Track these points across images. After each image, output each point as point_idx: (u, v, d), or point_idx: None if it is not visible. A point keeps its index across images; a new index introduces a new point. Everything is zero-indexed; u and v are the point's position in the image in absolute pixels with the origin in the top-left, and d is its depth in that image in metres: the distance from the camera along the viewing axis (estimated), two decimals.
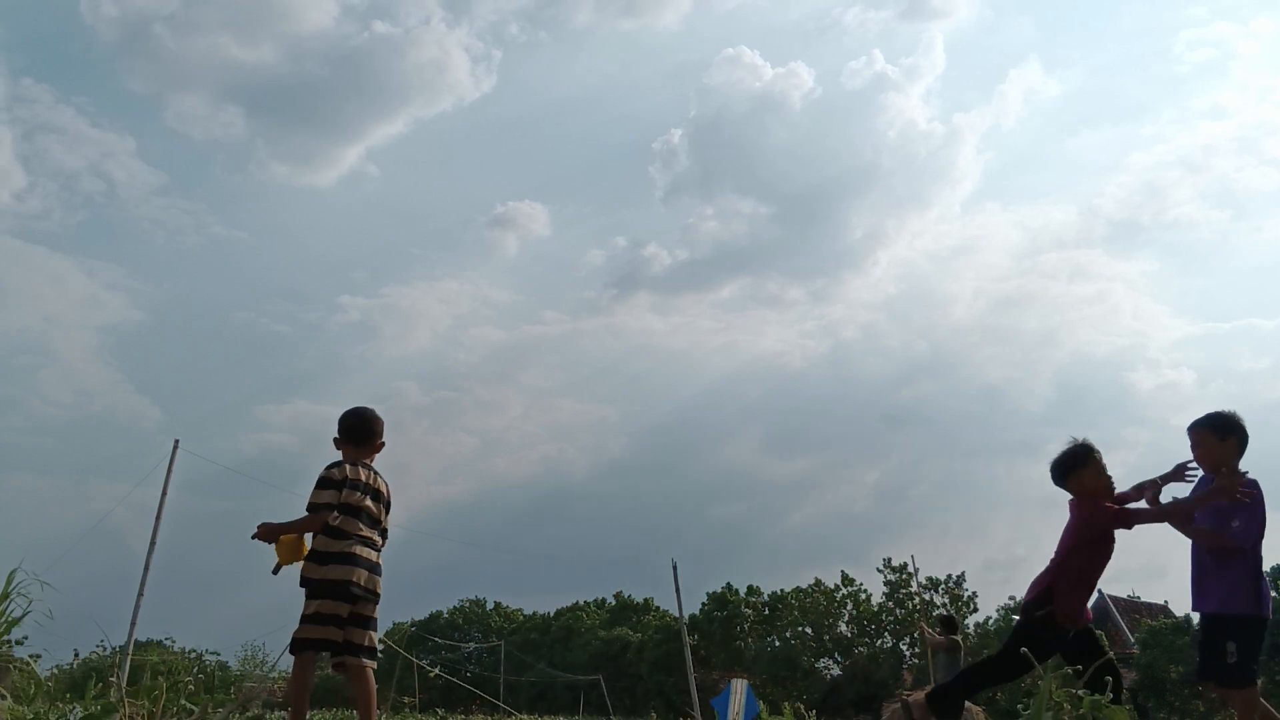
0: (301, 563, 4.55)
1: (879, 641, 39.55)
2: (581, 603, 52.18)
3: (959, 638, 11.32)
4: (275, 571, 4.58)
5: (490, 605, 55.22)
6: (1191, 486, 4.78)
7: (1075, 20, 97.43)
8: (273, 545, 4.53)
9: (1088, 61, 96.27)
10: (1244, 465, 4.65)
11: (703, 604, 43.35)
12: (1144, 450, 69.52)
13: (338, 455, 4.78)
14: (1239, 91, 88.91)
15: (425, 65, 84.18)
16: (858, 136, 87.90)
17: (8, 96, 77.72)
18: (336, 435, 4.85)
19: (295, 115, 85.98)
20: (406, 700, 36.68)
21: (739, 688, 14.09)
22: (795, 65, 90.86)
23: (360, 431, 4.82)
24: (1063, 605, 4.56)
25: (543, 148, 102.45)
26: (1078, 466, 4.71)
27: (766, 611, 42.90)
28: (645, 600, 50.55)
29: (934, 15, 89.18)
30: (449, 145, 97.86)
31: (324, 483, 4.55)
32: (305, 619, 4.46)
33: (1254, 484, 4.58)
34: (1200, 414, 4.80)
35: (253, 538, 4.52)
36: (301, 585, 4.52)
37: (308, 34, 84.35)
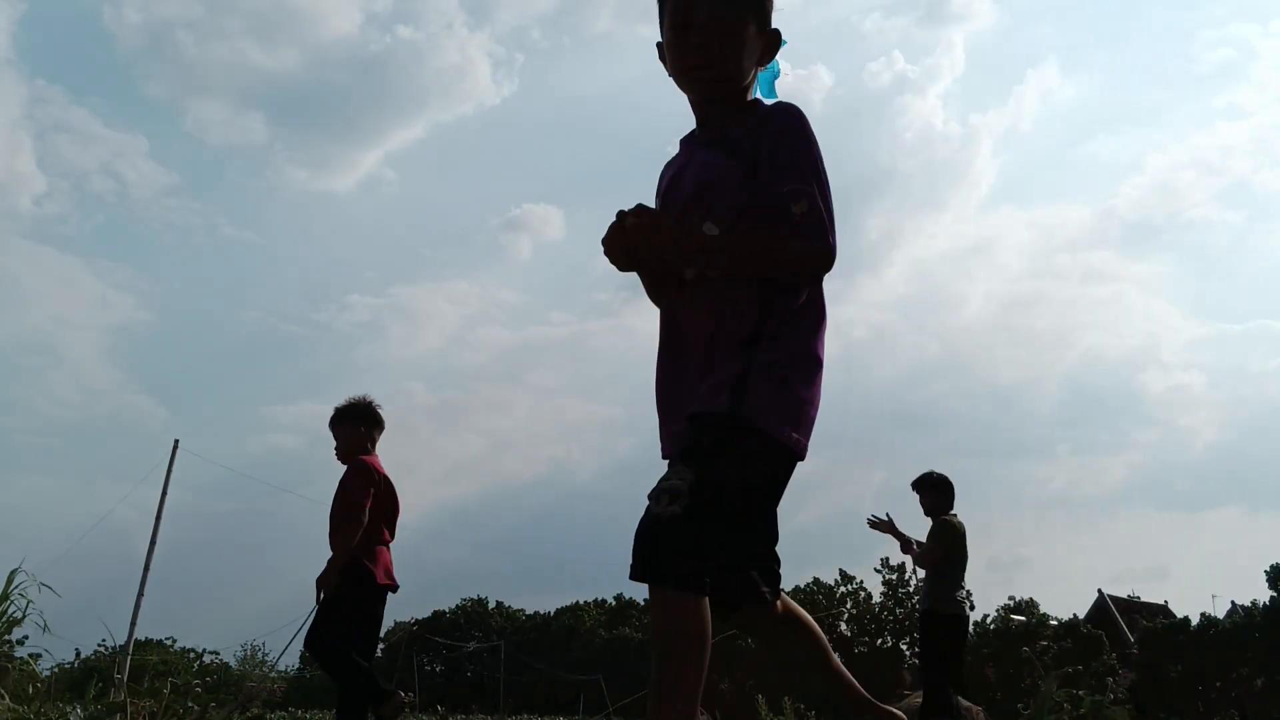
0: None
1: (879, 641, 39.52)
2: (582, 603, 52.18)
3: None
4: None
5: (492, 605, 55.22)
6: None
7: (1093, 22, 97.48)
8: None
9: (1105, 63, 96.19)
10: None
11: None
12: (1152, 452, 69.58)
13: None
14: (1258, 91, 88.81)
15: (446, 70, 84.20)
16: (876, 138, 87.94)
17: (28, 100, 77.72)
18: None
19: (315, 120, 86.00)
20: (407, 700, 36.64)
21: None
22: (815, 67, 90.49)
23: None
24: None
25: (560, 151, 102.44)
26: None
27: None
28: (647, 600, 50.50)
29: (953, 19, 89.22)
30: (467, 149, 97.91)
31: None
32: None
33: None
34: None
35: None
36: None
37: (331, 40, 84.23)
